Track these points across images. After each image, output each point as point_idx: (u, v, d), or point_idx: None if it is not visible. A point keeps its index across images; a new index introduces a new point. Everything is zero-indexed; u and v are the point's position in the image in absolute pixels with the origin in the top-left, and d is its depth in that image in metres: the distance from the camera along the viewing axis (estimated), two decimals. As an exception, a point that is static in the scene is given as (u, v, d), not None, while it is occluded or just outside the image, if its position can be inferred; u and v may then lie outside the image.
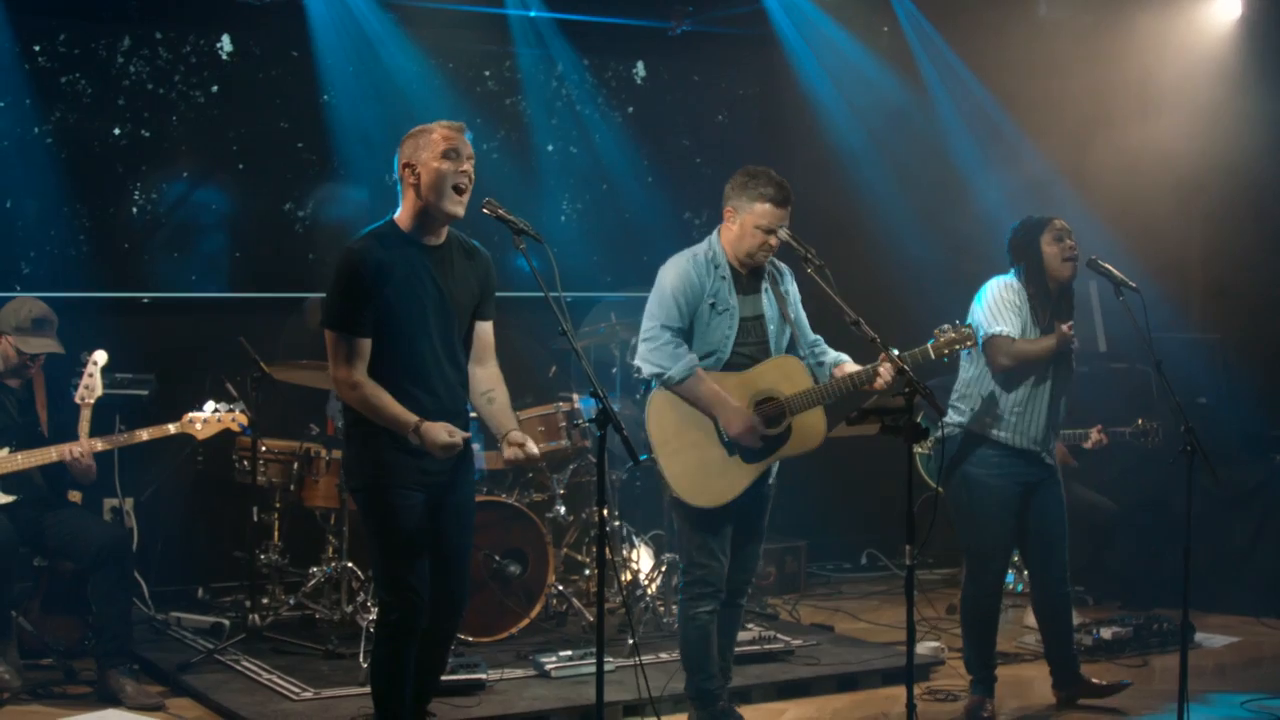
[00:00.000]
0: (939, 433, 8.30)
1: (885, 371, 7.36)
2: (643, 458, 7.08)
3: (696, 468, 7.56)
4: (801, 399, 7.58)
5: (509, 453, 6.76)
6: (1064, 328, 8.04)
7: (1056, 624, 8.65)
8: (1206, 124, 11.91)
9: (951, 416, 8.39)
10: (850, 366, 7.65)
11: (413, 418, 6.49)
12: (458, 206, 6.59)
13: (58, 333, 8.65)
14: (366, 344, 6.52)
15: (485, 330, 6.92)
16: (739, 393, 7.55)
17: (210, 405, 8.68)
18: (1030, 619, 10.25)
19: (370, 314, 6.51)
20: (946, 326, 7.64)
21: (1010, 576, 10.93)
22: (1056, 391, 8.30)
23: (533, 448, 6.74)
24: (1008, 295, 8.28)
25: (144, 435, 8.60)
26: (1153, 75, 12.08)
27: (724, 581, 7.70)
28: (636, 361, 7.68)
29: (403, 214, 6.66)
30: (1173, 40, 12.15)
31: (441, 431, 6.49)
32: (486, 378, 6.94)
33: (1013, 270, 8.37)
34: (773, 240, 7.53)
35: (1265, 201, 11.93)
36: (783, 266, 7.89)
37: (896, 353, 7.23)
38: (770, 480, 7.85)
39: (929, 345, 7.58)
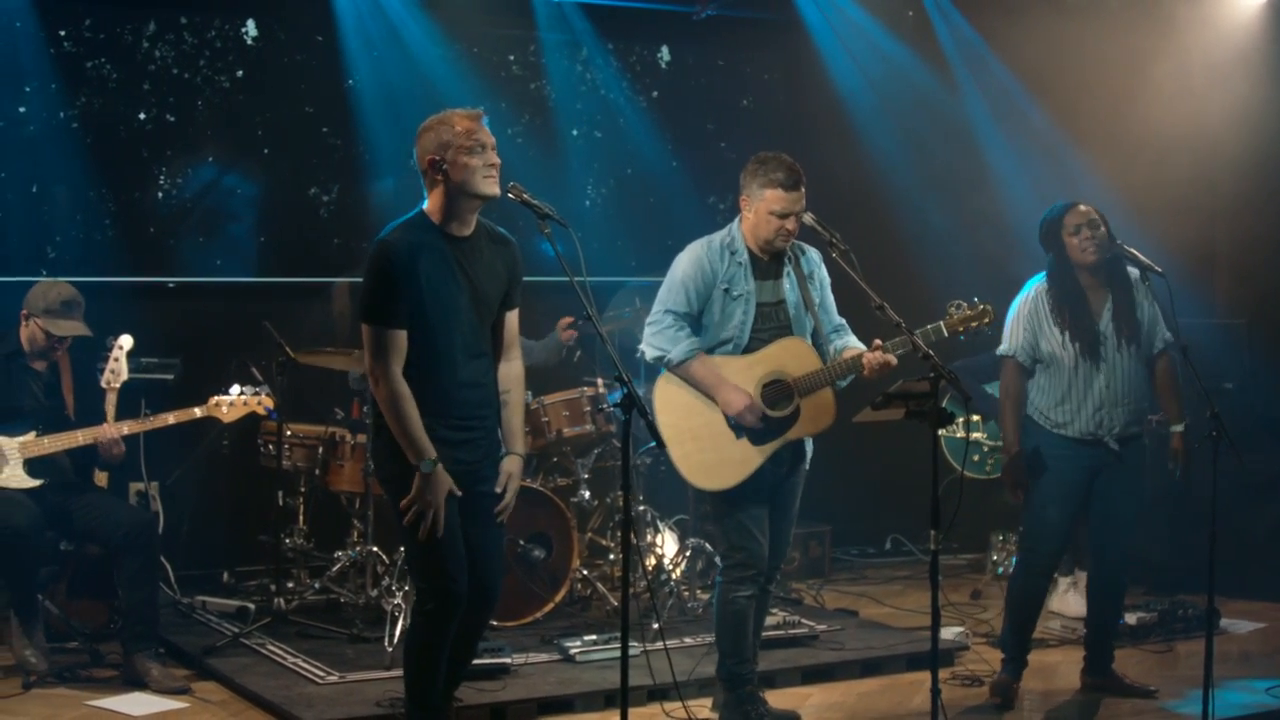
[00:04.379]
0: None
1: (868, 360, 7.41)
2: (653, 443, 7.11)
3: (703, 450, 7.56)
4: (809, 380, 7.55)
5: (499, 481, 6.86)
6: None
7: (1105, 611, 8.65)
8: (1233, 107, 11.87)
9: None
10: (852, 351, 7.65)
11: (431, 452, 6.50)
12: (494, 186, 6.57)
13: (84, 314, 8.65)
14: (402, 336, 6.49)
15: (511, 320, 6.91)
16: (746, 374, 7.54)
17: (236, 388, 8.69)
18: (1058, 604, 10.27)
19: (405, 306, 6.50)
20: (961, 303, 7.59)
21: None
22: (1106, 379, 8.27)
23: (510, 497, 6.87)
24: (1023, 308, 8.38)
25: (170, 419, 8.61)
26: (1178, 58, 12.04)
27: (764, 563, 7.69)
28: (641, 346, 7.72)
29: (432, 205, 6.63)
30: (1199, 23, 12.11)
31: (445, 489, 6.54)
32: (506, 376, 6.93)
33: (1046, 266, 8.39)
34: (789, 225, 7.51)
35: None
36: (813, 252, 7.86)
37: (910, 330, 7.24)
38: (805, 465, 7.85)
39: (941, 323, 7.55)
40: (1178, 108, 11.93)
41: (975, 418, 10.20)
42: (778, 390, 7.55)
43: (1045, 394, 8.33)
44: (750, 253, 7.63)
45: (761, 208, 7.52)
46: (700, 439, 7.56)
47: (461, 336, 6.63)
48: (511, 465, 6.86)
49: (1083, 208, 8.29)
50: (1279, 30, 11.95)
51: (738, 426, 7.54)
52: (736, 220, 7.71)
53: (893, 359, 7.41)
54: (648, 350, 7.65)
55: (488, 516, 6.83)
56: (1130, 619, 9.66)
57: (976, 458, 10.29)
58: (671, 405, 7.59)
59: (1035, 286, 8.39)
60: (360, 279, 6.67)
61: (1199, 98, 11.93)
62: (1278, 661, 9.43)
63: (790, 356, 7.61)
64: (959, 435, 10.54)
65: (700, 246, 7.68)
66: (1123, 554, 8.53)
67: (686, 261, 7.65)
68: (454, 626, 6.72)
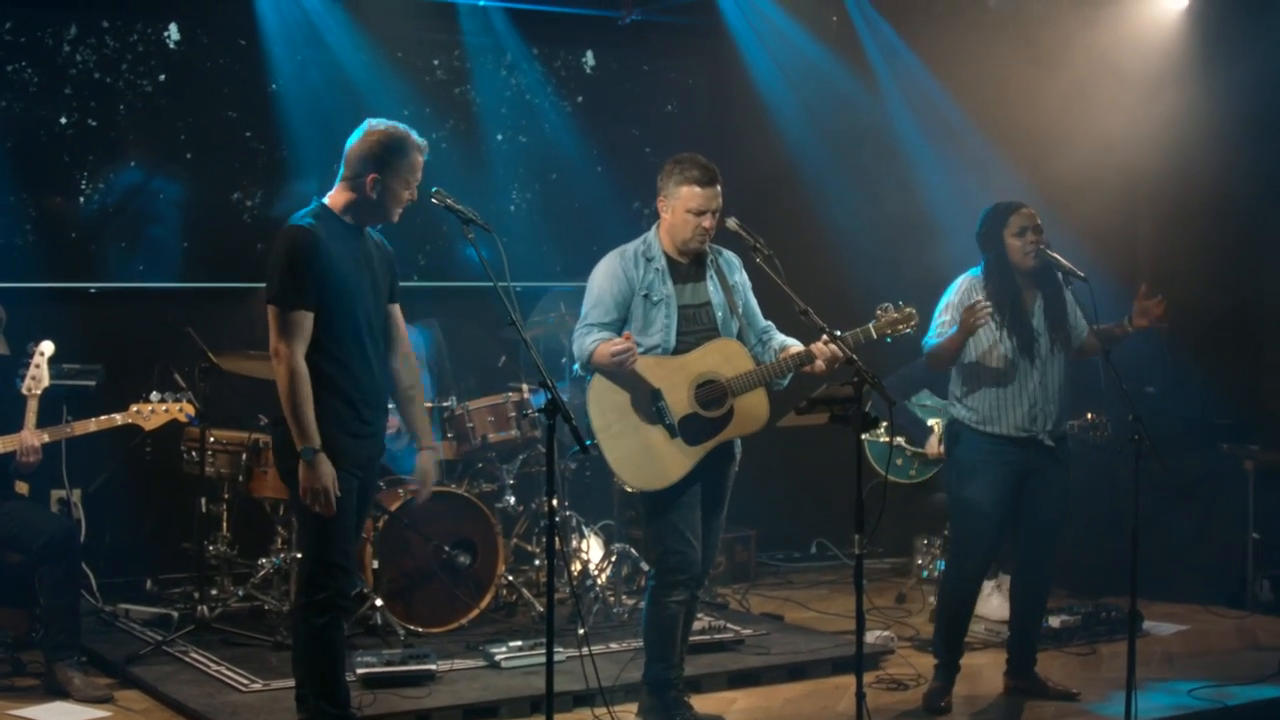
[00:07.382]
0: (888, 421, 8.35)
1: (820, 351, 7.41)
2: (588, 443, 7.11)
3: (638, 451, 7.56)
4: (742, 380, 7.57)
5: (413, 482, 7.30)
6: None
7: (1028, 613, 8.67)
8: (1154, 113, 11.93)
9: (951, 407, 8.44)
10: (795, 349, 7.66)
11: (316, 441, 6.63)
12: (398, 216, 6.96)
13: (4, 329, 8.59)
14: (309, 318, 6.64)
15: (397, 312, 7.15)
16: (680, 375, 7.55)
17: (156, 395, 8.65)
18: (981, 606, 10.28)
19: (315, 291, 6.63)
20: (888, 306, 7.61)
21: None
22: (1040, 376, 8.28)
23: (428, 491, 7.26)
24: (954, 299, 8.36)
25: (91, 426, 8.55)
26: (1101, 65, 12.10)
27: (698, 567, 7.71)
28: (573, 363, 7.84)
29: (339, 199, 6.82)
30: (1120, 31, 12.17)
31: (329, 479, 6.65)
32: (407, 374, 7.16)
33: (981, 261, 8.39)
34: (705, 223, 7.55)
35: (1211, 191, 11.96)
36: (732, 257, 7.89)
37: (840, 334, 7.27)
38: (734, 467, 7.87)
39: (870, 326, 7.57)
40: (1100, 114, 11.99)
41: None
42: (711, 391, 7.56)
43: (975, 390, 8.33)
44: (668, 257, 7.66)
45: (678, 206, 7.56)
46: (634, 439, 7.56)
47: (367, 324, 6.83)
48: (429, 460, 7.19)
49: (1027, 210, 8.30)
50: (1199, 36, 12.03)
51: (672, 427, 7.54)
52: (653, 228, 7.75)
53: (839, 350, 7.38)
54: (577, 365, 7.71)
55: (364, 505, 7.07)
56: (1054, 621, 9.70)
57: (900, 462, 10.33)
58: (605, 407, 7.59)
59: (968, 279, 8.39)
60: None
61: (1122, 103, 11.99)
62: (1200, 663, 9.50)
63: (723, 358, 7.62)
64: (883, 440, 10.57)
65: (614, 257, 7.73)
66: (1050, 557, 8.56)
67: (602, 273, 7.69)
68: (344, 614, 6.99)
